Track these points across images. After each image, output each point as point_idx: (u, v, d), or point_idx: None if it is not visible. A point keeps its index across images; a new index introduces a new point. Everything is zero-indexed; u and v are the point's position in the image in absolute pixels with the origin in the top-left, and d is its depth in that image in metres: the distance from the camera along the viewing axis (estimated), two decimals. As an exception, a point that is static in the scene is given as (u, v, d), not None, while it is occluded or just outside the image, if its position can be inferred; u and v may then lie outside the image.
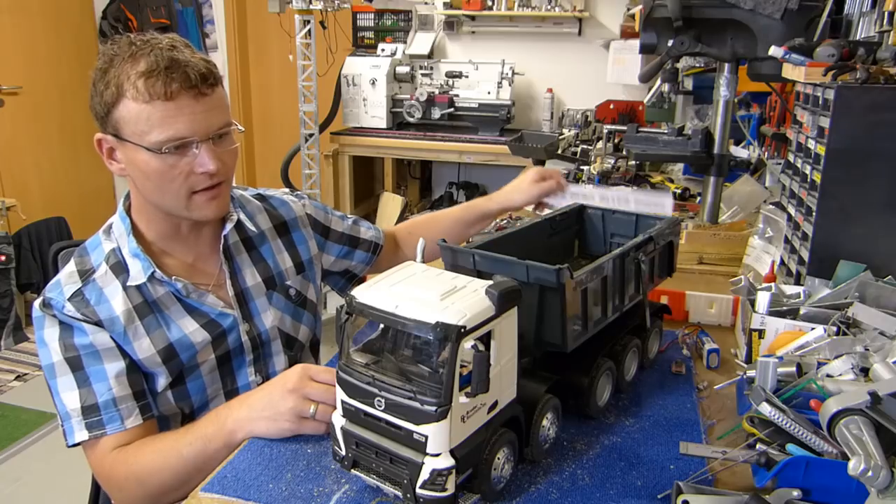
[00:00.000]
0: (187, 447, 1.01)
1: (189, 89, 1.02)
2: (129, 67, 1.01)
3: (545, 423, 0.89)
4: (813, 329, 1.05)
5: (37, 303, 1.11)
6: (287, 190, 1.42)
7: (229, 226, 1.21)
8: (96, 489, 1.43)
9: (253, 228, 1.27)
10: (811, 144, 1.28)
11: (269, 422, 0.97)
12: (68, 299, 1.08)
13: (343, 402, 0.81)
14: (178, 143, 1.04)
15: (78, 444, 1.07)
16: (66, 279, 1.11)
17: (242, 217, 1.25)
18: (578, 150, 2.67)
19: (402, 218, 4.64)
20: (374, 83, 4.33)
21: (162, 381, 1.14)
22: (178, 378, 1.16)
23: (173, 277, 1.14)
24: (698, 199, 2.23)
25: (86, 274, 1.11)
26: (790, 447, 0.82)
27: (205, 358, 1.18)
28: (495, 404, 0.80)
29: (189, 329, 1.15)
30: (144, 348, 1.11)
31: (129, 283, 1.11)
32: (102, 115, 1.06)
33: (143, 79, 1.00)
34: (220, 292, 1.22)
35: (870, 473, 0.68)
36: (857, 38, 1.56)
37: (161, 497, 1.04)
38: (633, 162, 2.31)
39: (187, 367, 1.16)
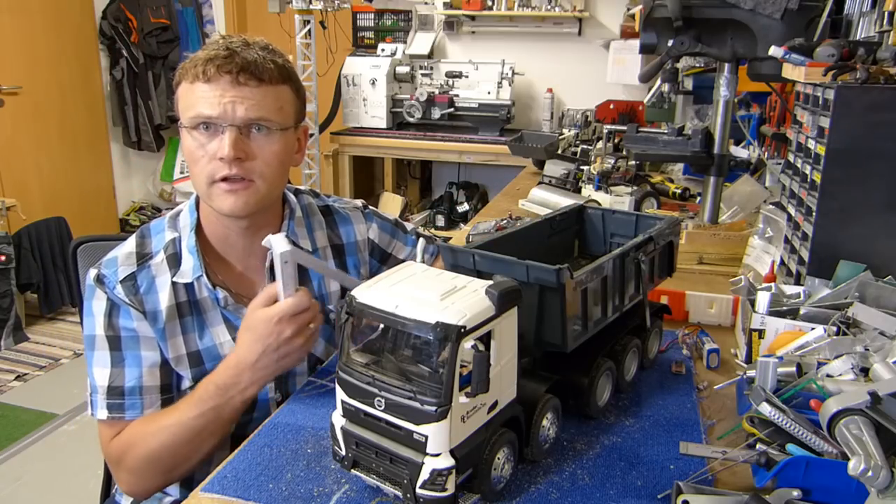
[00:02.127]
0: (197, 417, 1.04)
1: (227, 73, 1.03)
2: (198, 54, 1.07)
3: (545, 423, 0.89)
4: (813, 329, 1.05)
5: (92, 274, 1.12)
6: (359, 204, 1.37)
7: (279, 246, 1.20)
8: (107, 486, 1.43)
9: (308, 245, 1.24)
10: (811, 144, 1.28)
11: (284, 360, 1.02)
12: (120, 281, 1.10)
13: (343, 402, 0.81)
14: (205, 122, 1.05)
15: (99, 419, 1.10)
16: (123, 259, 1.12)
17: (295, 232, 1.23)
18: (578, 150, 2.67)
19: (401, 217, 4.64)
20: (374, 83, 4.33)
21: (186, 384, 1.15)
22: (197, 359, 1.16)
23: (217, 287, 1.14)
24: (698, 199, 2.23)
25: (143, 258, 1.12)
26: (790, 447, 0.82)
27: (228, 350, 1.16)
28: (495, 404, 0.80)
29: (220, 339, 1.16)
30: (176, 347, 1.13)
31: (175, 280, 1.12)
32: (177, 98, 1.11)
33: (200, 64, 1.05)
34: None
35: (870, 473, 0.68)
36: (857, 38, 1.57)
37: (180, 466, 1.08)
38: (633, 162, 2.31)
39: (205, 349, 1.16)
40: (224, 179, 1.07)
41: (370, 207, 1.39)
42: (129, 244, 1.15)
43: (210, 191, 1.09)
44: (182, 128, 1.08)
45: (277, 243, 0.90)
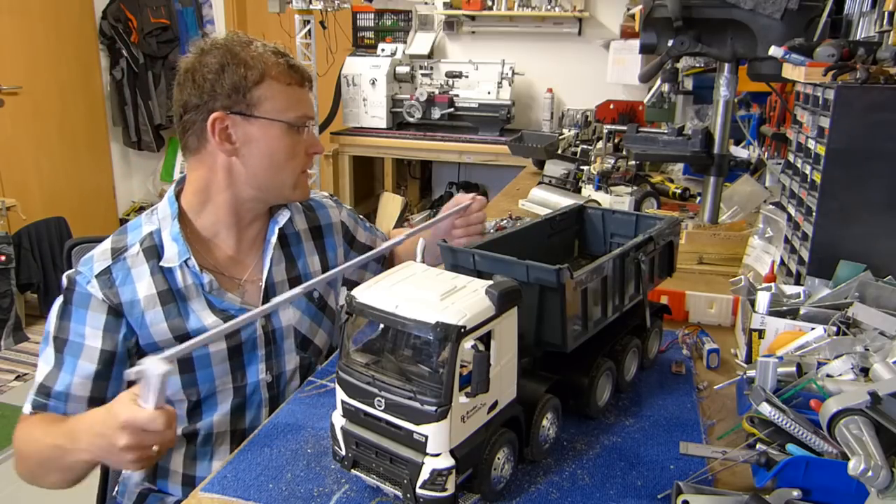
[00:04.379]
0: (50, 447, 1.02)
1: (306, 81, 1.20)
2: (267, 56, 1.13)
3: (545, 423, 0.89)
4: (813, 329, 1.05)
5: (67, 273, 1.15)
6: (327, 193, 1.45)
7: (282, 220, 1.26)
8: (104, 487, 1.43)
9: (292, 227, 1.30)
10: (811, 144, 1.28)
11: (110, 459, 0.95)
12: (96, 276, 1.12)
13: (343, 402, 0.81)
14: (305, 121, 1.18)
15: (24, 411, 1.11)
16: (98, 255, 1.14)
17: (293, 217, 1.29)
18: (578, 150, 2.67)
19: (402, 218, 4.64)
20: (374, 83, 4.33)
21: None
22: (188, 365, 1.17)
23: (203, 270, 1.16)
24: (698, 199, 2.23)
25: (118, 252, 1.14)
26: (790, 447, 0.82)
27: (217, 347, 1.18)
28: (495, 404, 0.80)
29: (208, 321, 1.16)
30: (160, 332, 1.14)
31: (162, 264, 1.14)
32: (233, 91, 1.11)
33: (282, 66, 1.14)
34: (252, 287, 1.23)
35: (870, 473, 0.68)
36: (857, 38, 1.56)
37: (36, 480, 1.09)
38: (633, 162, 2.30)
39: (198, 356, 1.17)
40: (303, 171, 1.21)
41: (335, 197, 1.48)
42: (106, 243, 1.17)
43: (297, 181, 1.20)
44: (283, 126, 1.14)
45: (154, 366, 0.87)
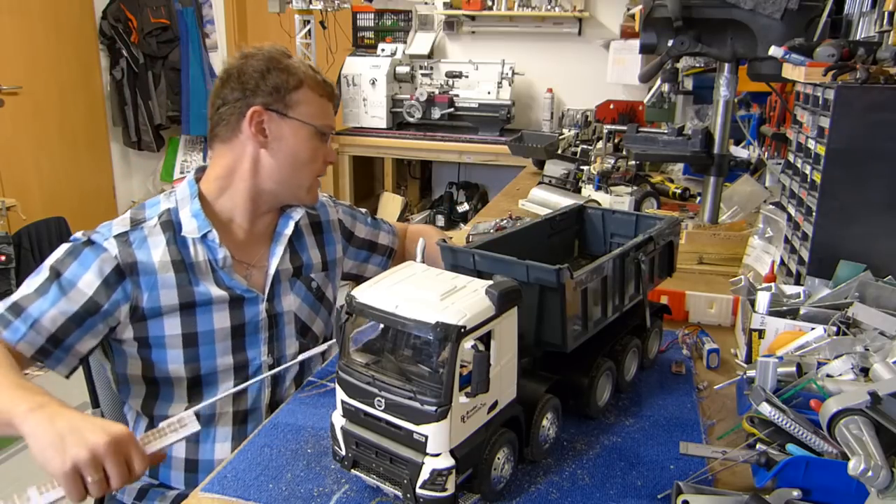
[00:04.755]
0: None
1: (334, 97, 1.32)
2: (304, 68, 1.26)
3: (545, 423, 0.89)
4: (813, 329, 1.05)
5: (79, 233, 1.18)
6: (325, 194, 1.50)
7: (297, 215, 1.33)
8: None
9: (298, 222, 1.37)
10: (811, 144, 1.28)
11: (54, 443, 0.87)
12: (114, 236, 1.17)
13: (343, 402, 0.81)
14: (329, 130, 1.29)
15: None
16: (117, 223, 1.20)
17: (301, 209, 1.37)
18: (578, 150, 2.67)
19: (401, 217, 4.64)
20: (374, 83, 4.33)
21: (171, 325, 1.18)
22: (192, 339, 1.20)
23: (221, 245, 1.22)
24: (698, 199, 2.23)
25: (137, 222, 1.20)
26: (790, 447, 0.82)
27: (221, 325, 1.22)
28: (495, 404, 0.80)
29: (215, 293, 1.21)
30: (169, 297, 1.18)
31: (183, 234, 1.21)
32: (273, 91, 1.22)
33: (317, 80, 1.27)
34: (258, 272, 1.29)
35: (870, 473, 0.68)
36: (857, 38, 1.56)
37: None
38: (633, 162, 2.30)
39: (202, 332, 1.20)
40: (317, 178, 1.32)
41: (332, 196, 1.53)
42: (125, 215, 1.23)
43: (311, 185, 1.30)
44: (313, 129, 1.26)
45: (194, 424, 0.92)
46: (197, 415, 0.93)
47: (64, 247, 1.16)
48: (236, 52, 1.26)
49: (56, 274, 1.12)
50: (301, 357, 1.18)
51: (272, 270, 1.28)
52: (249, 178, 1.25)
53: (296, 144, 1.25)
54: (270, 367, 1.27)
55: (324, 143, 1.29)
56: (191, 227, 1.21)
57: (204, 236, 1.21)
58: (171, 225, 1.20)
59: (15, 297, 1.11)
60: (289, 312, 1.31)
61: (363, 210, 1.56)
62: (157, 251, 1.18)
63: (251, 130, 1.21)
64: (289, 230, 1.31)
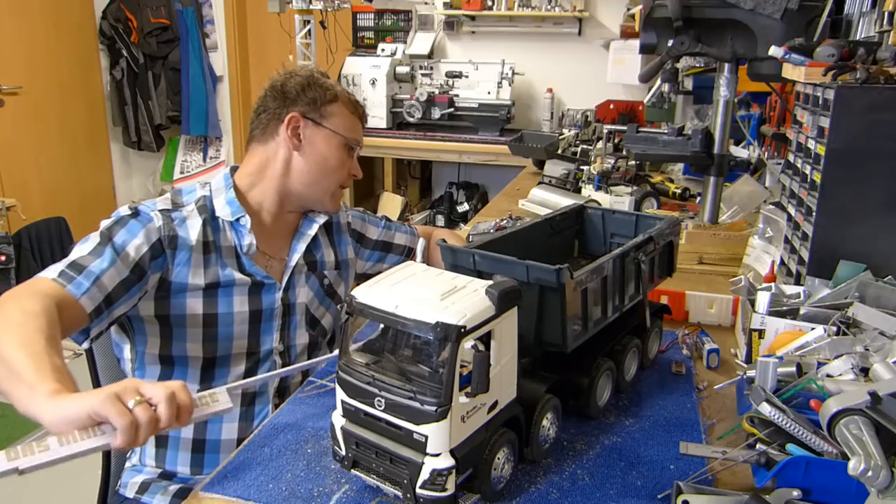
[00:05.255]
0: (16, 359, 0.88)
1: (364, 118, 1.44)
2: (340, 88, 1.38)
3: (545, 423, 0.89)
4: (813, 329, 1.05)
5: (125, 206, 1.23)
6: None
7: (322, 219, 1.42)
8: (105, 485, 1.43)
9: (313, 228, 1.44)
10: (811, 144, 1.28)
11: (75, 399, 0.80)
12: (159, 210, 1.24)
13: (343, 402, 0.81)
14: (357, 144, 1.40)
15: (43, 275, 1.08)
16: (161, 201, 1.28)
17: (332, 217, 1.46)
18: (578, 150, 2.67)
19: (401, 217, 4.64)
20: (374, 83, 4.33)
21: (193, 305, 1.23)
22: (212, 319, 1.25)
23: (251, 231, 1.29)
24: (698, 199, 2.23)
25: (177, 205, 1.28)
26: (790, 447, 0.82)
27: (240, 308, 1.28)
28: (495, 404, 0.80)
29: (237, 276, 1.28)
30: (196, 275, 1.24)
31: (217, 214, 1.28)
32: (311, 102, 1.33)
33: (351, 99, 1.40)
34: (278, 265, 1.36)
35: (870, 473, 0.68)
36: (857, 38, 1.57)
37: None
38: (633, 162, 2.30)
39: (223, 314, 1.26)
40: (341, 188, 1.41)
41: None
42: (165, 196, 1.30)
43: (334, 193, 1.40)
44: (343, 140, 1.36)
45: (228, 401, 0.90)
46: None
47: (110, 219, 1.20)
48: (281, 70, 1.38)
49: (108, 238, 1.16)
50: (309, 363, 1.24)
51: (292, 263, 1.36)
52: (280, 176, 1.34)
53: (326, 151, 1.35)
54: (280, 354, 1.34)
55: (350, 157, 1.39)
56: (225, 212, 1.29)
57: (237, 220, 1.29)
58: (206, 209, 1.28)
59: (71, 257, 1.12)
60: (301, 304, 1.37)
61: (380, 215, 1.62)
62: (194, 231, 1.25)
63: (287, 133, 1.32)
64: (312, 231, 1.40)
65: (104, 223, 1.20)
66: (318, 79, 1.36)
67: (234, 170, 1.39)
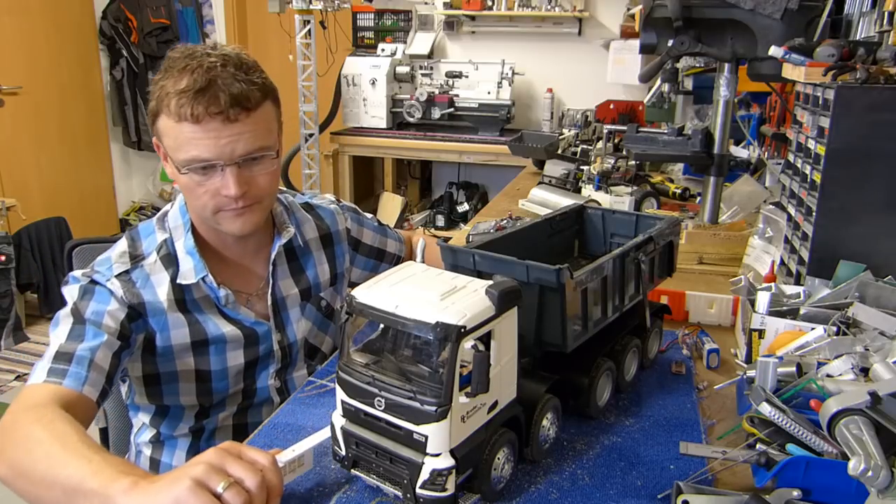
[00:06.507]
0: (64, 476, 0.80)
1: (216, 115, 1.01)
2: (171, 83, 1.01)
3: (545, 423, 0.89)
4: (813, 329, 1.05)
5: (80, 272, 1.10)
6: (333, 198, 1.43)
7: (285, 238, 1.23)
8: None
9: (299, 240, 1.28)
10: (811, 144, 1.28)
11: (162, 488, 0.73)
12: (116, 276, 1.09)
13: (343, 402, 0.81)
14: (203, 165, 1.04)
15: (30, 383, 0.97)
16: (116, 258, 1.12)
17: (300, 228, 1.28)
18: (578, 150, 2.66)
19: (401, 217, 4.64)
20: (374, 83, 4.33)
21: (184, 363, 1.15)
22: (206, 376, 1.18)
23: (220, 286, 1.16)
24: (698, 199, 2.23)
25: (136, 259, 1.13)
26: (790, 447, 0.82)
27: (234, 362, 1.20)
28: (495, 404, 0.80)
29: (225, 329, 1.18)
30: (180, 336, 1.14)
31: (179, 281, 1.13)
32: (151, 121, 1.08)
33: (175, 98, 1.00)
34: (260, 301, 1.24)
35: (870, 473, 0.68)
36: (857, 38, 1.57)
37: (14, 482, 0.87)
38: (633, 162, 2.30)
39: (216, 371, 1.18)
40: (231, 209, 1.10)
41: (341, 200, 1.44)
42: (121, 245, 1.15)
43: (216, 217, 1.11)
44: (173, 166, 1.07)
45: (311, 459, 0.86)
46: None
47: (71, 291, 1.08)
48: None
49: (80, 315, 1.04)
50: (305, 447, 0.88)
51: (270, 300, 1.22)
52: (191, 210, 1.16)
53: (177, 178, 1.08)
54: (277, 390, 1.27)
55: (205, 177, 1.05)
56: (186, 267, 1.14)
57: (202, 279, 1.14)
58: (171, 259, 1.14)
59: (52, 349, 1.00)
60: (300, 340, 1.28)
61: (369, 215, 1.51)
62: (161, 290, 1.12)
63: (162, 159, 1.12)
64: (274, 254, 1.22)
65: (69, 300, 1.07)
66: (155, 77, 1.05)
67: None
